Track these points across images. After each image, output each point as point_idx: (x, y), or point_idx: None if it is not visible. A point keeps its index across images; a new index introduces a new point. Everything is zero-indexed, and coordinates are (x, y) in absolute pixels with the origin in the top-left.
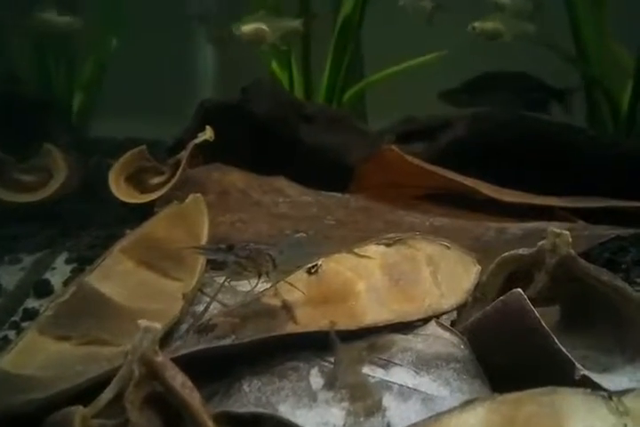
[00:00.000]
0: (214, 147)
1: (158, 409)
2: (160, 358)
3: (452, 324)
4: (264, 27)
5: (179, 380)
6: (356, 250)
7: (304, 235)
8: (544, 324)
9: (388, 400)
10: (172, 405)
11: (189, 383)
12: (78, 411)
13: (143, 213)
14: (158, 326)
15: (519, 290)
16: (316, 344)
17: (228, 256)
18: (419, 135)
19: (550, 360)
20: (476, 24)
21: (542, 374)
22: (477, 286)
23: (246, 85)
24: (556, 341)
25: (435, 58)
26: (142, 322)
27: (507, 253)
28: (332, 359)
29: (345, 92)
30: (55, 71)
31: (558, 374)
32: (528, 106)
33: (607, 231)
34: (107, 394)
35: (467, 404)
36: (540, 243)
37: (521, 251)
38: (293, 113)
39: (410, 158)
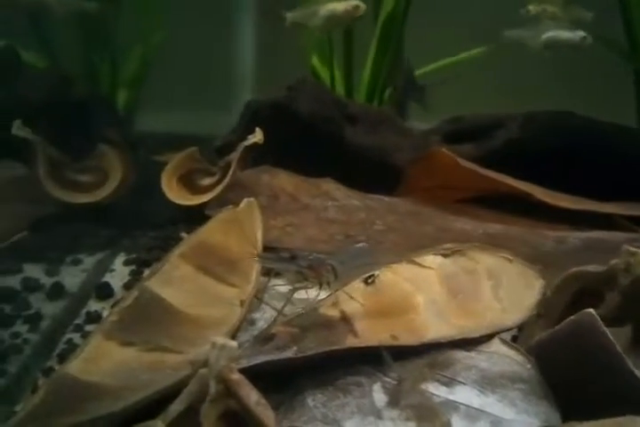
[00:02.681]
0: (261, 147)
1: (232, 426)
2: (236, 376)
3: (513, 341)
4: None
5: (253, 398)
6: (416, 260)
7: (365, 244)
8: (618, 346)
9: (455, 422)
10: (246, 422)
11: (263, 401)
12: (157, 426)
13: (194, 213)
14: (234, 343)
15: (591, 310)
16: (376, 358)
17: (289, 266)
18: (467, 136)
19: (623, 384)
20: (531, 7)
21: (614, 399)
22: (540, 301)
23: (291, 84)
24: (630, 364)
25: (479, 53)
26: (219, 339)
27: (574, 269)
28: (393, 375)
29: (386, 90)
30: (100, 68)
31: (631, 399)
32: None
33: None
34: (176, 407)
35: None
36: (612, 261)
37: (590, 268)
38: (338, 113)
39: (461, 161)
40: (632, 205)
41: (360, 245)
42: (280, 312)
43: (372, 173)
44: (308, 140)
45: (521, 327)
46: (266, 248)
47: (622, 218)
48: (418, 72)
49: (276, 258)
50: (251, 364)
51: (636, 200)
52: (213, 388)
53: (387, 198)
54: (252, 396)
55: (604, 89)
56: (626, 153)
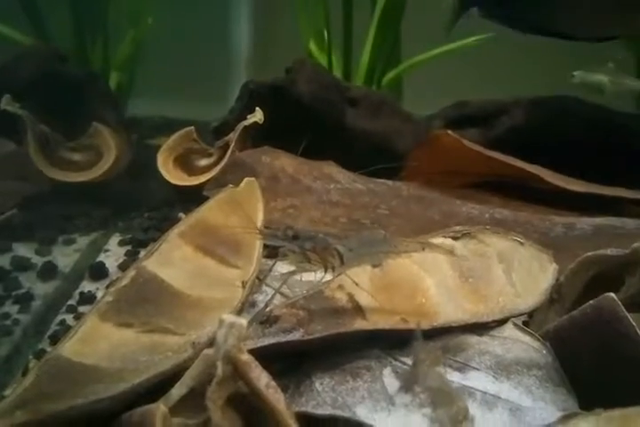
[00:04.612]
0: (259, 129)
1: (240, 410)
2: (246, 357)
3: (525, 326)
4: None
5: (263, 380)
6: (431, 241)
7: (380, 232)
8: (639, 332)
9: (472, 408)
10: (254, 405)
11: (273, 384)
12: (159, 410)
13: (190, 195)
14: (244, 321)
15: (612, 294)
16: (385, 342)
17: (292, 246)
18: (471, 122)
19: None
20: None
21: (635, 385)
22: (554, 286)
23: (290, 66)
24: None
25: (474, 41)
26: (227, 317)
27: (591, 253)
28: (403, 359)
29: (385, 75)
30: (91, 50)
31: None
32: None
33: None
34: (178, 390)
35: (567, 419)
36: (635, 245)
37: (608, 251)
38: (338, 96)
39: (468, 143)
40: None
41: (373, 232)
42: (277, 291)
43: (373, 158)
44: (307, 123)
45: (532, 313)
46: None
47: (630, 203)
48: (416, 58)
49: (280, 235)
50: (256, 346)
51: None
52: (221, 369)
53: (390, 182)
54: (262, 378)
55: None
56: (634, 139)
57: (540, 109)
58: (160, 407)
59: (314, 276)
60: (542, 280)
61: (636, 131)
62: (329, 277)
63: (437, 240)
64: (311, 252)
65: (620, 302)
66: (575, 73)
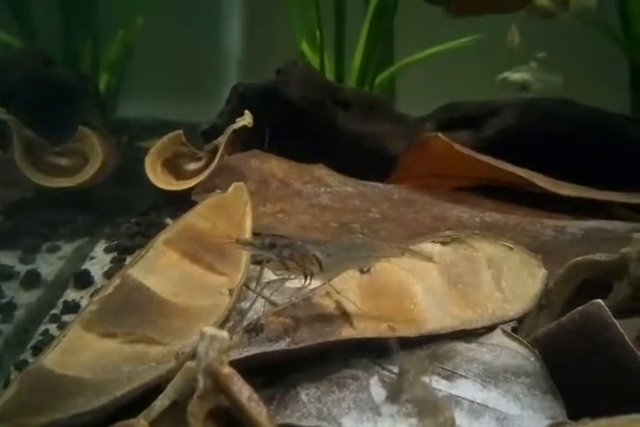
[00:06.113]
0: (249, 132)
1: (222, 423)
2: (227, 370)
3: (513, 333)
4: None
5: (245, 393)
6: (414, 248)
7: (359, 237)
8: (627, 339)
9: (458, 417)
10: (236, 419)
11: (255, 396)
12: (140, 425)
13: (178, 199)
14: (225, 334)
15: (599, 301)
16: (373, 350)
17: (269, 254)
18: (463, 124)
19: (633, 378)
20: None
21: (623, 393)
22: (543, 291)
23: (281, 67)
24: None
25: (467, 42)
26: (208, 329)
27: (580, 258)
28: (391, 368)
29: (377, 76)
30: (81, 51)
31: None
32: None
33: None
34: (160, 403)
35: None
36: (623, 250)
37: (597, 256)
38: (329, 98)
39: (458, 147)
40: (633, 194)
41: (352, 237)
42: (256, 298)
43: (364, 160)
44: (298, 125)
45: (521, 319)
46: (256, 235)
47: (622, 207)
48: (409, 59)
49: (257, 245)
50: (241, 356)
51: (635, 188)
52: (202, 382)
53: (381, 185)
54: (244, 391)
55: (597, 77)
56: (626, 142)
57: (532, 111)
58: (140, 422)
59: (298, 283)
60: (531, 286)
61: (629, 133)
62: (313, 283)
63: (426, 245)
64: (289, 259)
65: (607, 309)
66: (505, 74)
